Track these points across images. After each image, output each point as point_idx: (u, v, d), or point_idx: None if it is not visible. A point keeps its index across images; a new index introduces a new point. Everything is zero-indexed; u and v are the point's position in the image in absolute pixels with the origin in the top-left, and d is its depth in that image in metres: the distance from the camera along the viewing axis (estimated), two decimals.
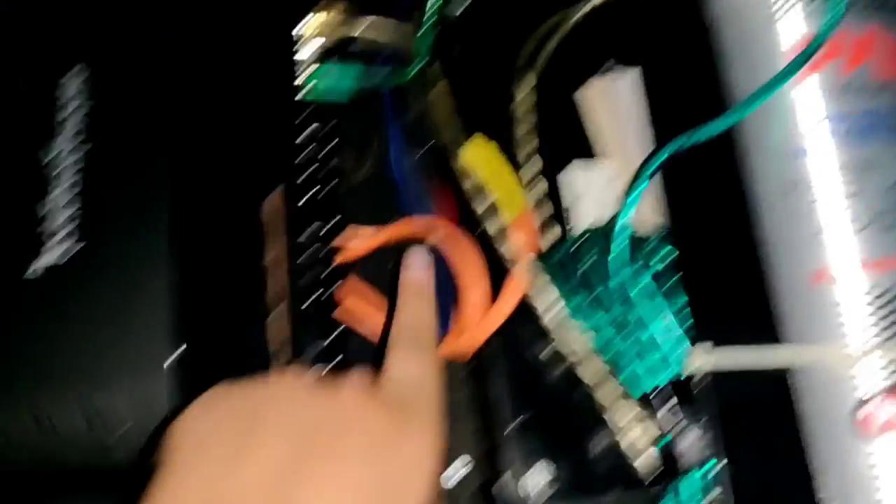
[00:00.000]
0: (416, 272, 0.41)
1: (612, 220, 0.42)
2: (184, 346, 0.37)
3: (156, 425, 0.39)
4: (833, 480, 0.37)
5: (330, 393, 0.33)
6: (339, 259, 0.46)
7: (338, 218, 0.46)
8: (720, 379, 0.38)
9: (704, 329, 0.39)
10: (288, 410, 0.32)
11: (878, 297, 0.37)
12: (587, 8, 0.49)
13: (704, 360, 0.37)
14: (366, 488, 0.31)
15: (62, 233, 0.41)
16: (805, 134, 0.39)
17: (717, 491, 0.37)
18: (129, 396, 0.39)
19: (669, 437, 0.39)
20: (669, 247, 0.42)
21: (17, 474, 0.38)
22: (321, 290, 0.43)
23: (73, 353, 0.39)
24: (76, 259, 0.40)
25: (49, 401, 0.38)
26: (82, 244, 0.41)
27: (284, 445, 0.30)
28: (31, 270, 0.40)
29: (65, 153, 0.43)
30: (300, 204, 0.43)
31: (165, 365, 0.38)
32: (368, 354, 0.46)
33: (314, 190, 0.44)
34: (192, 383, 0.36)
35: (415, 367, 0.36)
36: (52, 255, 0.40)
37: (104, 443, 0.38)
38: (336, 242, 0.46)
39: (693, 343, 0.38)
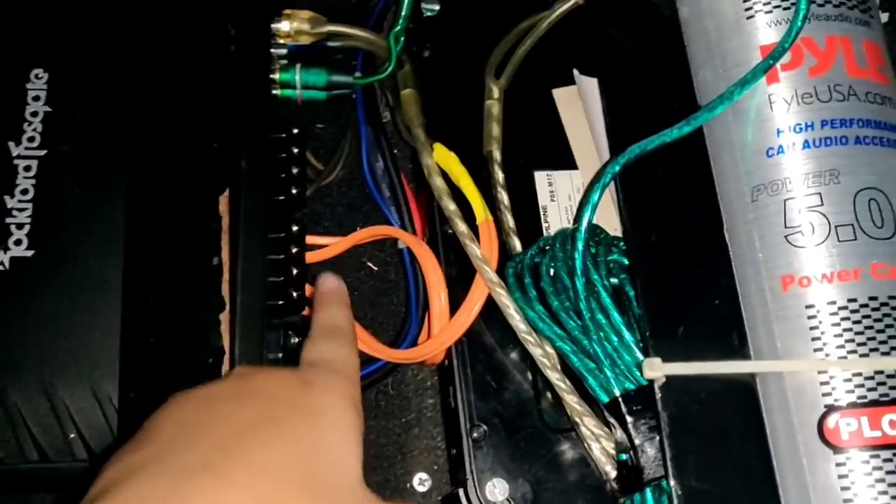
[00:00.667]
0: (329, 282, 0.42)
1: (577, 223, 0.41)
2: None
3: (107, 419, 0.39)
4: (799, 495, 0.35)
5: (222, 380, 0.33)
6: (309, 259, 0.45)
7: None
8: (681, 389, 0.37)
9: (670, 335, 0.37)
10: (205, 411, 0.31)
11: (848, 305, 0.36)
12: (557, 14, 0.48)
13: (661, 370, 0.36)
14: (279, 447, 0.29)
15: (28, 227, 0.41)
16: (775, 134, 0.38)
17: None
18: (90, 389, 0.39)
19: (634, 447, 0.38)
20: (624, 257, 0.41)
21: None
22: (294, 289, 0.42)
23: (36, 343, 0.39)
24: (40, 252, 0.40)
25: (14, 389, 0.39)
26: (46, 238, 0.41)
27: (199, 445, 0.29)
28: None
29: (30, 150, 0.43)
30: (275, 203, 0.42)
31: (117, 358, 0.38)
32: None
33: (285, 190, 0.44)
34: (144, 376, 0.36)
35: (328, 351, 0.35)
36: (19, 247, 0.41)
37: (66, 436, 0.38)
38: (308, 242, 0.45)
39: (652, 351, 0.37)
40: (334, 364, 0.34)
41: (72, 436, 0.39)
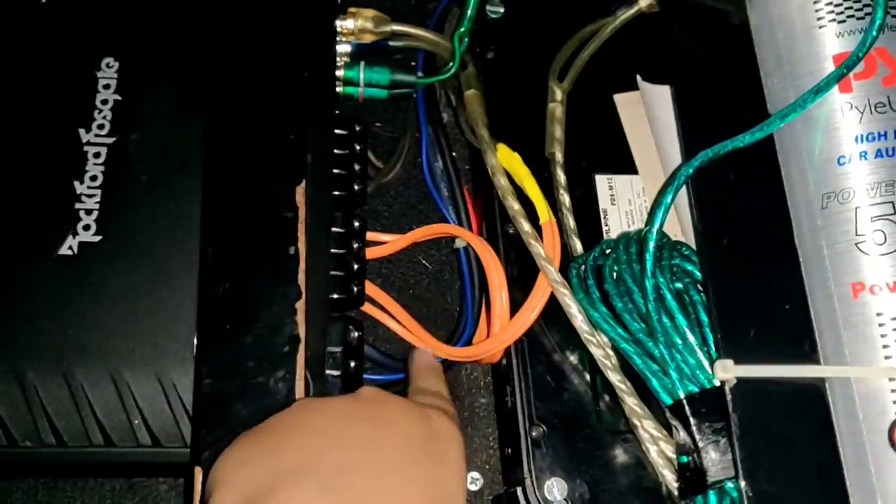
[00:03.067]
0: (428, 357, 0.44)
1: (646, 227, 0.41)
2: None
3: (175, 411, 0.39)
4: (868, 499, 0.35)
5: (352, 398, 0.34)
6: (368, 256, 0.46)
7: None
8: (752, 391, 0.37)
9: (742, 338, 0.38)
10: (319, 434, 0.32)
11: None
12: (621, 20, 0.48)
13: (733, 371, 0.36)
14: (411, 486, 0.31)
15: (97, 212, 0.42)
16: (847, 143, 0.38)
17: None
18: (155, 375, 0.39)
19: (697, 449, 0.38)
20: (686, 262, 0.41)
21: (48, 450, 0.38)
22: (355, 283, 0.42)
23: (103, 329, 0.40)
24: (108, 238, 0.41)
25: (83, 373, 0.39)
26: (115, 224, 0.42)
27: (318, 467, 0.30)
28: (65, 246, 0.41)
29: (99, 138, 0.43)
30: (334, 199, 0.43)
31: (193, 346, 0.38)
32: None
33: (348, 186, 0.44)
34: (219, 363, 0.36)
35: (435, 386, 0.38)
36: (88, 232, 0.42)
37: (130, 421, 0.39)
38: (368, 239, 0.45)
39: (723, 353, 0.37)
40: (447, 404, 0.37)
41: (136, 422, 0.39)
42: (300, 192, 0.39)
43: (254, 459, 0.31)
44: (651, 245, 0.39)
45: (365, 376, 0.44)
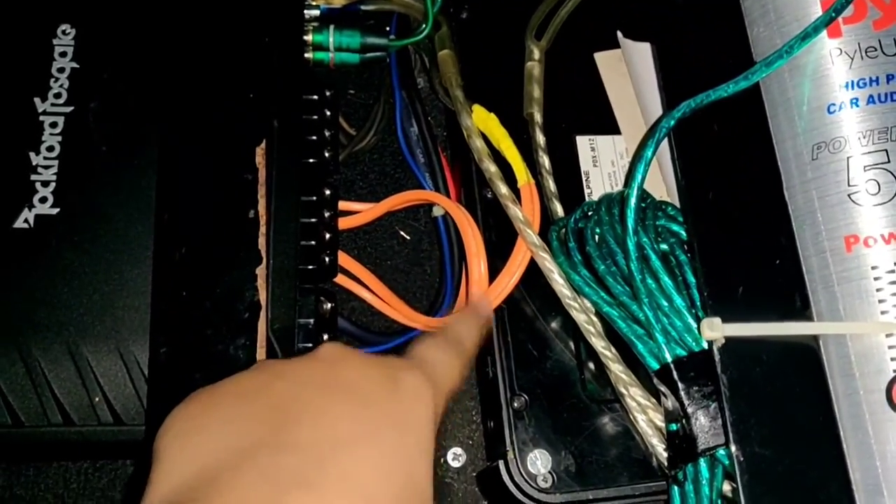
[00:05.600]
0: (483, 307, 0.41)
1: (626, 186, 0.39)
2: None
3: (138, 387, 0.37)
4: (864, 463, 0.33)
5: (310, 359, 0.31)
6: (342, 226, 0.44)
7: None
8: (742, 351, 0.35)
9: (730, 296, 0.36)
10: (274, 389, 0.29)
11: None
12: None
13: (721, 330, 0.34)
14: (362, 447, 0.28)
15: (54, 184, 0.40)
16: (837, 90, 0.36)
17: (737, 475, 0.34)
18: (116, 350, 0.38)
19: (686, 416, 0.36)
20: (672, 222, 0.39)
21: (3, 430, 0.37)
22: (327, 254, 0.40)
23: (61, 304, 0.38)
24: (66, 210, 0.40)
25: (40, 350, 0.37)
26: (72, 196, 0.40)
27: (268, 422, 0.28)
28: (21, 219, 0.39)
29: (56, 107, 0.42)
30: (303, 166, 0.41)
31: (146, 318, 0.36)
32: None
33: (318, 153, 0.42)
34: (176, 330, 0.35)
35: (436, 354, 0.33)
36: (45, 205, 0.40)
37: (90, 398, 0.37)
38: (341, 208, 0.44)
39: (710, 312, 0.35)
40: (433, 369, 0.32)
41: (97, 399, 0.38)
42: (259, 154, 0.37)
43: (198, 432, 0.28)
44: (633, 201, 0.37)
45: None
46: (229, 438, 0.28)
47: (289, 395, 0.29)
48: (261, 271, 0.35)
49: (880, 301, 0.34)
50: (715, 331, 0.34)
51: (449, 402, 0.33)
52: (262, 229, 0.36)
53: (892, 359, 0.34)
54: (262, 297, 0.34)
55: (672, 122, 0.37)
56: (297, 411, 0.29)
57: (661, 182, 0.43)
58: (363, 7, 0.49)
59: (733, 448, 0.33)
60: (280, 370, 0.31)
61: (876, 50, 0.37)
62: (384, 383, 0.30)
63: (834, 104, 0.37)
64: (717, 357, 0.35)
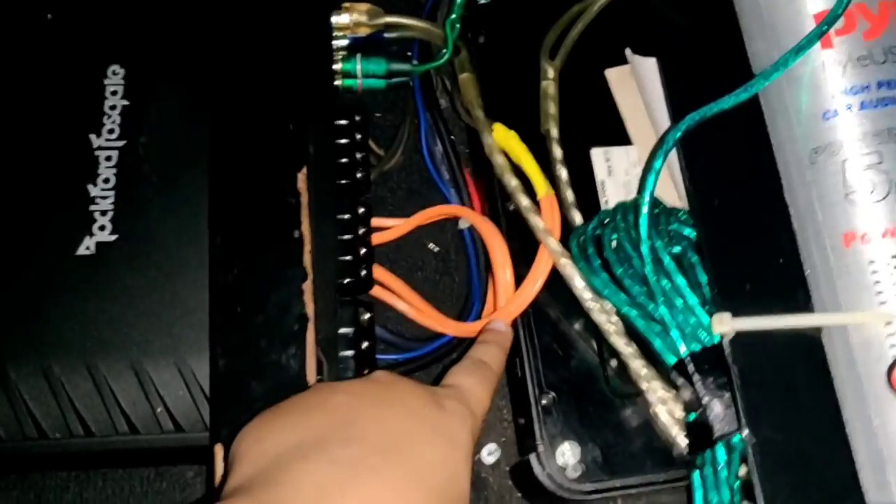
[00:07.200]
0: (499, 325, 0.44)
1: (639, 194, 0.42)
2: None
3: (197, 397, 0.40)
4: (869, 445, 0.36)
5: (365, 381, 0.36)
6: (374, 241, 0.47)
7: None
8: (750, 343, 0.38)
9: (738, 293, 0.38)
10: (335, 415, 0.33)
11: None
12: None
13: (730, 324, 0.37)
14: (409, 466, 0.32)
15: (111, 213, 0.44)
16: (831, 98, 0.39)
17: (750, 458, 0.36)
18: (174, 364, 0.41)
19: (702, 405, 0.39)
20: (684, 226, 0.42)
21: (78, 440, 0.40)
22: (363, 268, 0.44)
23: (123, 322, 0.41)
24: (124, 236, 0.43)
25: (105, 366, 0.41)
26: (128, 223, 0.43)
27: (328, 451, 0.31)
28: (83, 247, 0.43)
29: (110, 142, 0.45)
30: (338, 187, 0.44)
31: (203, 333, 0.40)
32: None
33: (351, 174, 0.45)
34: (233, 345, 0.38)
35: (467, 382, 0.38)
36: (104, 232, 0.43)
37: (153, 409, 0.40)
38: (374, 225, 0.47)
39: (720, 308, 0.38)
40: (468, 396, 0.37)
41: (159, 409, 0.41)
42: (301, 179, 0.40)
43: (270, 435, 0.32)
44: (644, 210, 0.40)
45: (378, 357, 0.46)
46: (299, 437, 0.31)
47: (348, 406, 0.33)
48: (307, 286, 0.38)
49: (878, 293, 0.37)
50: (725, 325, 0.37)
51: (482, 425, 0.37)
52: (307, 247, 0.39)
53: (892, 346, 0.36)
54: (309, 310, 0.38)
55: (679, 134, 0.40)
56: (355, 417, 0.32)
57: (672, 189, 0.46)
58: (386, 35, 0.53)
59: (745, 432, 0.36)
60: (338, 387, 0.35)
61: (867, 58, 0.40)
62: (431, 403, 0.34)
63: (829, 111, 0.40)
64: (727, 349, 0.37)
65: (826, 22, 0.40)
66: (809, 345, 0.38)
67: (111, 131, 0.46)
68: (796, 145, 0.40)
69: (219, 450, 0.35)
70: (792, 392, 0.37)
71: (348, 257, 0.43)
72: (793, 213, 0.40)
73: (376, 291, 0.47)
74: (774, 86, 0.41)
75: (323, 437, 0.31)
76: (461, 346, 0.48)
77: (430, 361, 0.47)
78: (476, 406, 0.37)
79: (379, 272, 0.48)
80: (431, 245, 0.52)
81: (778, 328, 0.37)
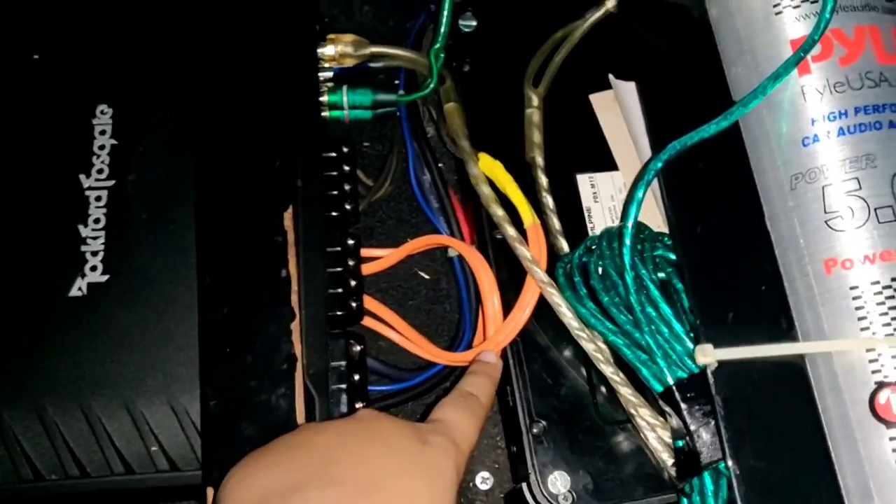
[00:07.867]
0: (489, 357, 0.44)
1: (623, 221, 0.42)
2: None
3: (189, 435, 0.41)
4: (855, 470, 0.36)
5: (349, 419, 0.36)
6: (364, 272, 0.47)
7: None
8: (734, 373, 0.38)
9: (720, 322, 0.39)
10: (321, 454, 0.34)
11: (892, 284, 0.37)
12: (589, 22, 0.50)
13: (713, 355, 0.38)
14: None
15: (102, 253, 0.44)
16: (810, 124, 0.39)
17: (735, 489, 0.37)
18: (167, 403, 0.41)
19: (689, 433, 0.39)
20: (669, 251, 0.42)
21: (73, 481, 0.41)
22: (353, 299, 0.44)
23: (116, 362, 0.42)
24: (115, 277, 0.44)
25: (99, 406, 0.41)
26: (119, 263, 0.44)
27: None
28: (76, 288, 0.43)
29: (100, 182, 0.46)
30: (327, 219, 0.45)
31: (194, 372, 0.40)
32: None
33: (340, 206, 0.46)
34: (223, 385, 0.39)
35: (454, 416, 0.38)
36: (95, 273, 0.44)
37: (147, 448, 0.41)
38: (363, 255, 0.47)
39: (703, 338, 0.39)
40: (452, 429, 0.37)
41: (153, 448, 0.41)
42: (288, 218, 0.41)
43: (254, 477, 0.33)
44: (627, 240, 0.40)
45: (370, 388, 0.46)
46: (281, 478, 0.32)
47: (330, 445, 0.33)
48: (295, 326, 0.38)
49: (860, 318, 0.37)
50: (708, 356, 0.37)
51: (469, 460, 0.37)
52: (294, 287, 0.39)
53: (874, 371, 0.37)
54: (298, 349, 0.38)
55: (659, 165, 0.40)
56: (337, 456, 0.33)
57: (657, 213, 0.47)
58: (372, 65, 0.53)
59: (729, 462, 0.36)
60: (321, 427, 0.35)
61: (844, 85, 0.40)
62: (414, 439, 0.34)
63: (808, 137, 0.40)
64: (711, 380, 0.38)
65: (803, 49, 0.40)
66: (794, 372, 0.38)
67: (100, 171, 0.46)
68: (777, 172, 0.40)
69: (210, 493, 0.36)
70: (777, 420, 0.37)
71: (338, 290, 0.44)
72: (775, 239, 0.40)
73: (368, 322, 0.48)
74: (754, 112, 0.41)
75: (304, 478, 0.32)
76: (454, 375, 0.49)
77: (423, 391, 0.48)
78: (461, 439, 0.37)
79: (370, 302, 0.48)
80: (422, 273, 0.52)
81: (761, 357, 0.38)
